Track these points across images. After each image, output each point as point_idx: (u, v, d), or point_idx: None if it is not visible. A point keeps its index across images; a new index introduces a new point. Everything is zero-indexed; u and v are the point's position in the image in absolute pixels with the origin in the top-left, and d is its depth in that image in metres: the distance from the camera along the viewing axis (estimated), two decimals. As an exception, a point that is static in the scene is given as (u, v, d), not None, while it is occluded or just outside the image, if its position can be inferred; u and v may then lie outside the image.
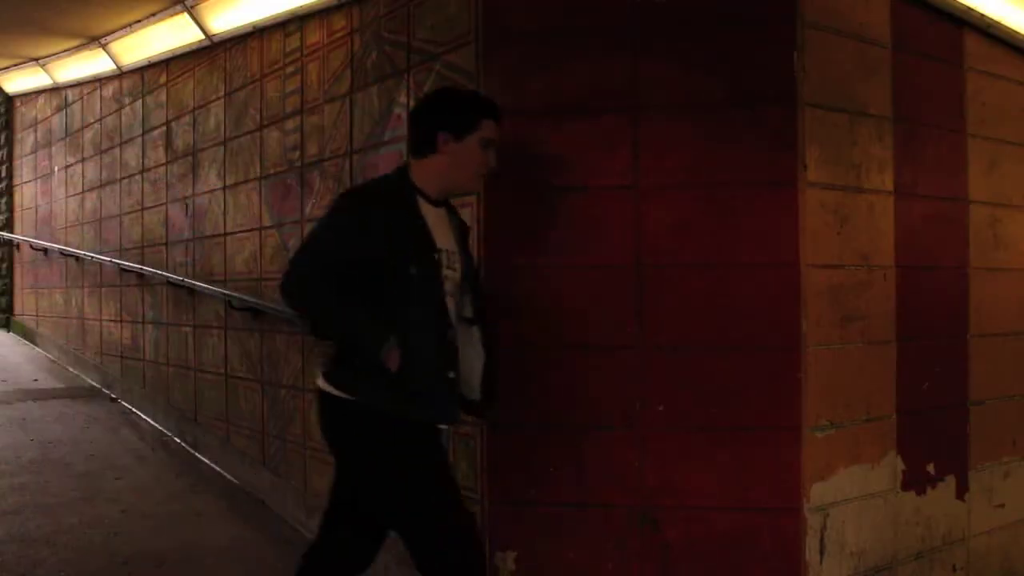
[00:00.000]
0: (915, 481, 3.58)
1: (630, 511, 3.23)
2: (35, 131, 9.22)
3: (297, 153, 4.65)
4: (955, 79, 3.82)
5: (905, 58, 3.56)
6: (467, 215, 3.37)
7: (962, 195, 3.84)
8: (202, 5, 5.40)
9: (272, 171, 4.90)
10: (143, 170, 6.65)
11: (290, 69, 4.72)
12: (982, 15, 3.81)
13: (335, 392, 2.73)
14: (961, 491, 3.80)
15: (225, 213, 5.43)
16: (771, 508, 3.17)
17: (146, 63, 6.46)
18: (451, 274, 2.81)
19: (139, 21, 6.11)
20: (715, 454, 3.19)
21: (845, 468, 3.30)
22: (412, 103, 3.71)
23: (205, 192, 5.68)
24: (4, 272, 10.06)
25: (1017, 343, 4.14)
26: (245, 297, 5.07)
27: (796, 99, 3.15)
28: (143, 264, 6.54)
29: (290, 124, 4.71)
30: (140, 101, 6.69)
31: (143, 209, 6.65)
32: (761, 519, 3.17)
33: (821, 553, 3.22)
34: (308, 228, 4.48)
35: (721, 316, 3.18)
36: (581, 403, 3.26)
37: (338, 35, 4.31)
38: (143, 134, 6.64)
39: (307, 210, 4.54)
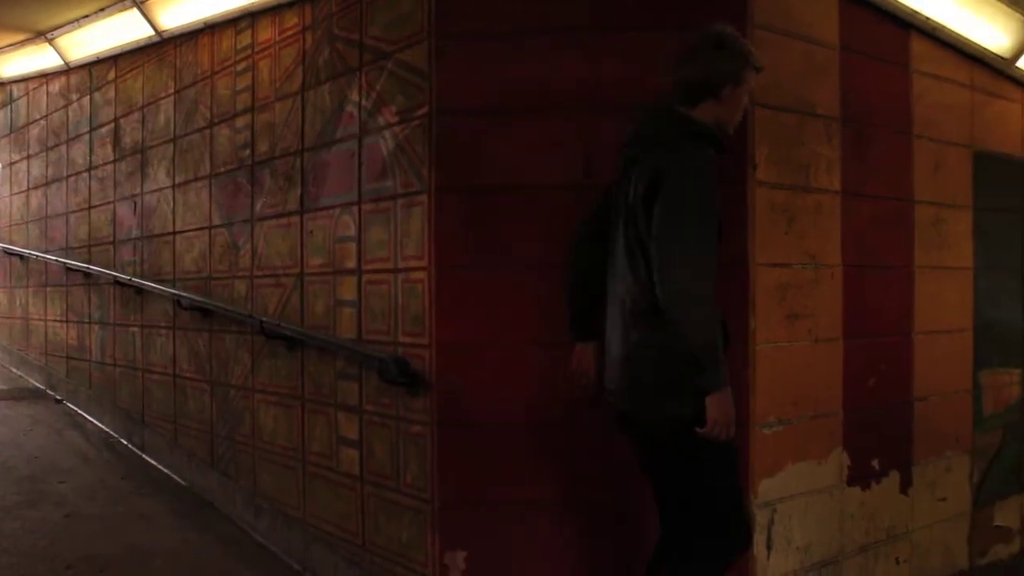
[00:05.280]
0: (860, 476, 3.64)
1: (582, 510, 3.24)
2: (-22, 128, 9.05)
3: (248, 151, 4.60)
4: (902, 81, 3.89)
5: (853, 60, 3.61)
6: (418, 213, 3.37)
7: (907, 195, 3.91)
8: (152, 1, 5.32)
9: (222, 169, 4.84)
10: (90, 168, 6.54)
11: (241, 66, 4.68)
12: (927, 18, 3.88)
13: (683, 412, 2.62)
14: (905, 486, 3.87)
15: (174, 211, 5.36)
16: (720, 504, 3.19)
17: (94, 59, 6.36)
18: None
19: (87, 16, 6.01)
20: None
21: (792, 464, 3.34)
22: (365, 101, 3.70)
23: (154, 190, 5.60)
24: (-54, 272, 9.85)
25: (959, 340, 4.22)
26: (194, 296, 5.01)
27: (746, 99, 3.19)
28: (90, 263, 6.43)
29: (241, 122, 4.67)
30: (88, 97, 6.59)
31: (90, 207, 6.54)
32: (710, 515, 3.20)
33: (769, 548, 3.26)
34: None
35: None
36: (530, 401, 3.27)
37: (290, 32, 4.27)
38: (91, 131, 6.54)
39: (257, 209, 4.50)
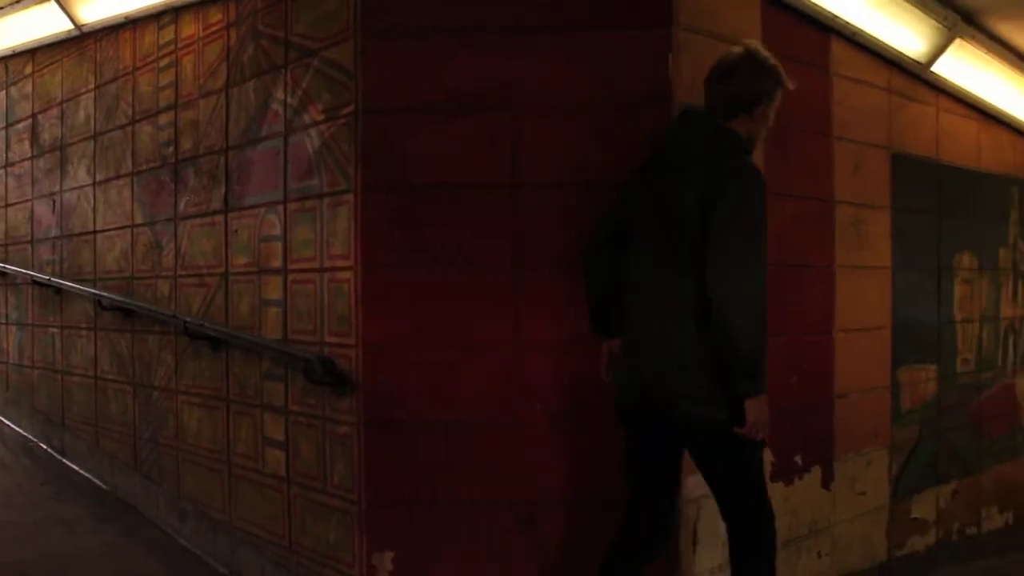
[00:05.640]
0: (783, 472, 3.70)
1: (508, 507, 3.25)
2: None
3: (171, 149, 4.52)
4: (822, 84, 3.96)
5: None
6: (344, 212, 3.35)
7: (828, 196, 3.99)
8: (71, -6, 5.21)
9: (145, 167, 4.75)
10: (7, 164, 6.36)
11: (164, 62, 4.59)
12: (847, 23, 3.96)
13: (720, 417, 2.71)
14: (826, 480, 3.95)
15: (95, 210, 5.24)
16: (646, 501, 3.22)
17: (9, 52, 6.17)
18: None
19: (2, 8, 5.84)
20: (594, 451, 3.23)
21: (717, 461, 3.38)
22: (290, 99, 3.66)
23: (74, 188, 5.47)
24: None
25: (878, 338, 4.32)
26: (115, 296, 4.91)
27: (671, 100, 3.22)
28: (7, 263, 6.25)
29: (164, 119, 4.58)
30: (4, 92, 6.40)
31: (7, 205, 6.37)
32: (636, 513, 3.23)
33: (695, 544, 3.30)
34: (178, 225, 4.36)
35: (597, 313, 3.22)
36: (460, 401, 3.27)
37: (214, 28, 4.20)
38: (7, 126, 6.36)
39: (181, 207, 4.42)
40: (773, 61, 2.90)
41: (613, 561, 2.96)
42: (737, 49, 2.90)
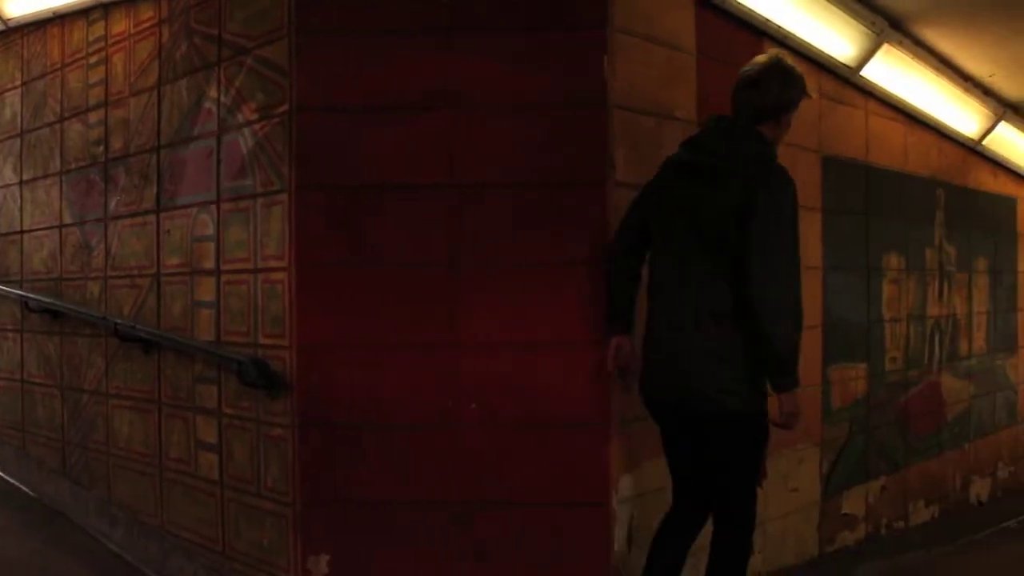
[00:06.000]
0: (717, 471, 3.74)
1: (445, 509, 3.24)
2: None
3: (101, 147, 4.44)
4: (755, 87, 4.01)
5: (710, 65, 3.72)
6: (278, 213, 3.32)
7: (760, 198, 4.03)
8: (-4, -13, 5.09)
9: (74, 166, 4.66)
10: (-70, 162, 6.20)
11: (94, 59, 4.51)
12: (779, 27, 4.02)
13: (746, 411, 2.90)
14: (760, 478, 3.99)
15: (22, 209, 5.13)
16: (581, 502, 3.25)
17: (-68, 48, 6.03)
18: None
19: (-76, 2, 5.69)
20: (527, 450, 3.24)
21: (651, 461, 3.41)
22: (223, 98, 3.62)
23: (0, 187, 5.35)
24: None
25: (810, 336, 4.37)
26: (43, 298, 4.80)
27: (606, 101, 3.24)
28: (-71, 263, 6.09)
29: (93, 117, 4.50)
30: (-74, 88, 6.24)
31: (-70, 204, 6.20)
32: (572, 512, 3.25)
33: (629, 543, 3.32)
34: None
35: (533, 314, 3.24)
36: (395, 401, 3.25)
37: (145, 25, 4.14)
38: (-71, 124, 6.19)
39: (111, 207, 4.34)
40: (799, 71, 3.07)
41: (666, 536, 3.16)
42: (762, 58, 3.06)
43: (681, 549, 3.15)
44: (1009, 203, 6.82)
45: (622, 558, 3.29)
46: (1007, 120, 5.98)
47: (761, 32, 4.00)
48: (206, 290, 3.73)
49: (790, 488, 4.17)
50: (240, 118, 3.53)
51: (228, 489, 3.65)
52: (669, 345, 3.01)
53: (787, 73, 3.02)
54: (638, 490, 3.36)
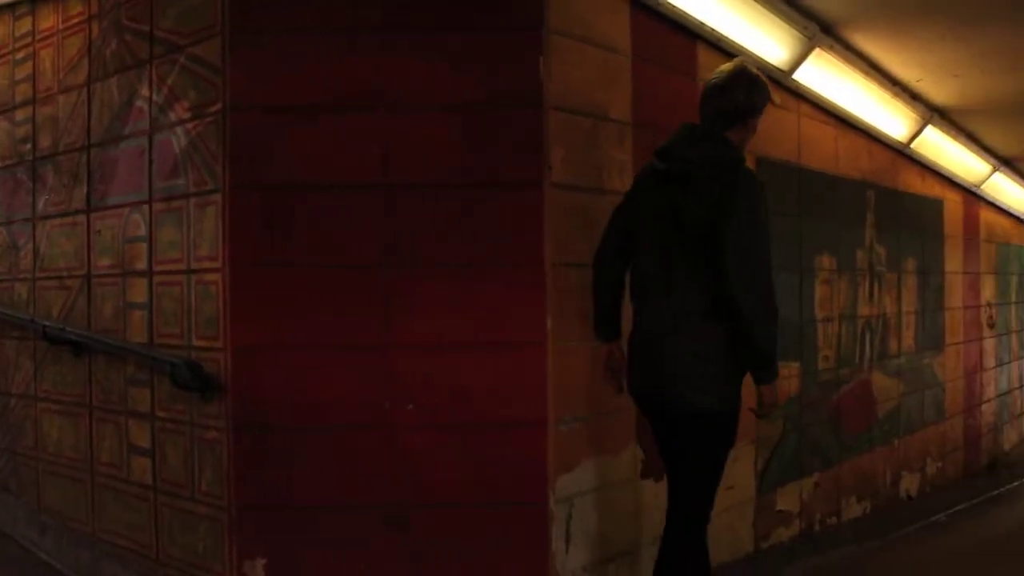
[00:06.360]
0: (653, 469, 3.77)
1: (380, 511, 3.23)
2: None
3: (28, 146, 4.34)
4: (689, 88, 4.04)
5: (644, 66, 3.76)
6: (212, 213, 3.28)
7: (695, 199, 4.08)
8: (-83, -20, 4.94)
9: (0, 164, 4.55)
10: None
11: (20, 55, 4.41)
12: (713, 30, 4.07)
13: (720, 409, 3.02)
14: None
15: (-54, 209, 4.99)
16: (519, 502, 3.25)
17: None
18: None
19: None
20: (464, 450, 3.24)
21: (589, 460, 3.44)
22: (155, 96, 3.56)
23: (-78, 186, 5.20)
24: None
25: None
26: (-32, 300, 4.68)
27: (542, 102, 3.25)
28: None
29: (20, 114, 4.40)
30: None
31: None
32: (510, 513, 3.26)
33: (567, 543, 3.34)
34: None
35: (470, 315, 3.24)
36: (331, 403, 3.23)
37: (75, 21, 4.05)
38: None
39: (40, 207, 4.25)
40: (763, 77, 3.19)
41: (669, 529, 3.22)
42: (727, 66, 3.16)
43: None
44: (936, 205, 6.99)
45: (559, 558, 3.30)
46: (934, 124, 6.13)
47: (695, 35, 4.04)
48: (138, 291, 3.67)
49: (726, 485, 4.17)
50: (173, 117, 3.48)
51: (162, 494, 3.60)
52: (653, 346, 3.09)
53: (752, 79, 3.13)
54: (576, 489, 3.38)
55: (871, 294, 5.80)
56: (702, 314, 2.97)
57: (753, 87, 3.13)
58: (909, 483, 6.44)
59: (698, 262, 2.97)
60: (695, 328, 2.99)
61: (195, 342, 3.39)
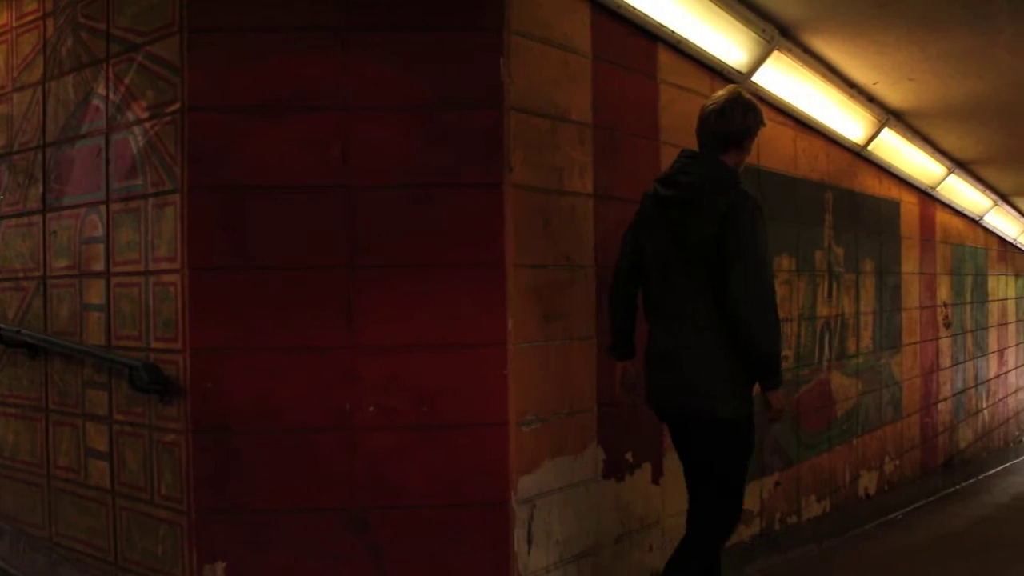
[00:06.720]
0: (615, 469, 3.80)
1: (341, 513, 3.22)
2: None
3: (-18, 145, 4.28)
4: (649, 90, 4.09)
5: (604, 68, 3.77)
6: (170, 213, 3.25)
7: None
8: None
9: (-48, 164, 4.48)
10: None
11: (-27, 53, 4.34)
12: (672, 32, 4.09)
13: (736, 416, 3.22)
14: (656, 476, 4.07)
15: None
16: (481, 503, 3.25)
17: None
18: None
19: None
20: (426, 452, 3.23)
21: (550, 460, 3.44)
22: (112, 95, 3.52)
23: None
24: None
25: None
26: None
27: (503, 103, 3.26)
28: None
29: (-27, 113, 4.33)
30: None
31: None
32: (471, 514, 3.25)
33: (529, 544, 3.34)
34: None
35: (431, 316, 3.23)
36: (292, 405, 3.21)
37: (29, 18, 4.00)
38: None
39: (-6, 207, 4.19)
40: (755, 101, 3.44)
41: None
42: (722, 93, 3.40)
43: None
44: (893, 206, 7.08)
45: (522, 559, 3.31)
46: (890, 127, 6.20)
47: (655, 37, 4.06)
48: (95, 293, 3.63)
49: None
50: (130, 116, 3.45)
51: (120, 498, 3.56)
52: (671, 362, 3.29)
53: (747, 104, 3.37)
54: (538, 490, 3.38)
55: (830, 294, 5.86)
56: (711, 329, 3.18)
57: (748, 111, 3.36)
58: (868, 481, 6.52)
59: (703, 279, 3.18)
60: (706, 342, 3.19)
61: (153, 344, 3.36)
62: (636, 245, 3.46)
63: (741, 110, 3.34)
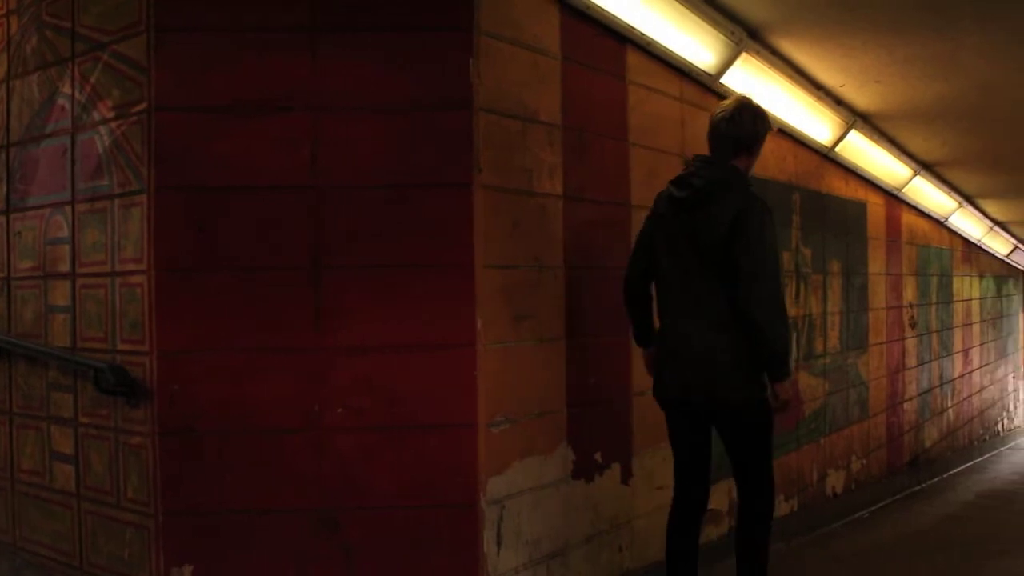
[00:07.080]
0: (584, 470, 3.81)
1: (311, 514, 3.20)
2: None
3: (-56, 144, 4.22)
4: (619, 91, 4.10)
5: (574, 70, 3.78)
6: (137, 214, 3.23)
7: (625, 200, 4.12)
8: None
9: (-85, 164, 4.41)
10: None
11: (-64, 51, 4.28)
12: (642, 34, 4.11)
13: (754, 399, 3.44)
14: (626, 476, 4.08)
15: None
16: (450, 504, 3.25)
17: None
18: None
19: None
20: (395, 453, 3.22)
21: (520, 461, 3.45)
22: (78, 95, 3.49)
23: None
24: None
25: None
26: None
27: (472, 104, 3.26)
28: None
29: (-64, 112, 4.27)
30: None
31: None
32: (441, 515, 3.25)
33: (498, 544, 3.34)
34: None
35: (400, 317, 3.23)
36: (260, 407, 3.19)
37: (-8, 16, 3.96)
38: None
39: (-43, 207, 4.13)
40: (763, 108, 3.58)
41: (679, 520, 3.67)
42: (730, 101, 3.56)
43: (695, 537, 3.69)
44: (859, 207, 7.15)
45: (491, 559, 3.31)
46: (857, 129, 6.26)
47: (625, 38, 4.08)
48: (61, 294, 3.59)
49: (656, 486, 4.25)
50: (96, 116, 3.41)
51: (86, 501, 3.52)
52: (693, 357, 3.43)
53: (756, 110, 3.53)
54: (507, 491, 3.39)
55: (797, 295, 5.91)
56: (724, 324, 3.34)
57: (757, 117, 3.52)
58: (835, 480, 6.57)
59: (715, 278, 3.35)
60: (721, 338, 3.35)
61: (120, 346, 3.32)
62: (648, 247, 3.59)
63: (750, 116, 3.50)
